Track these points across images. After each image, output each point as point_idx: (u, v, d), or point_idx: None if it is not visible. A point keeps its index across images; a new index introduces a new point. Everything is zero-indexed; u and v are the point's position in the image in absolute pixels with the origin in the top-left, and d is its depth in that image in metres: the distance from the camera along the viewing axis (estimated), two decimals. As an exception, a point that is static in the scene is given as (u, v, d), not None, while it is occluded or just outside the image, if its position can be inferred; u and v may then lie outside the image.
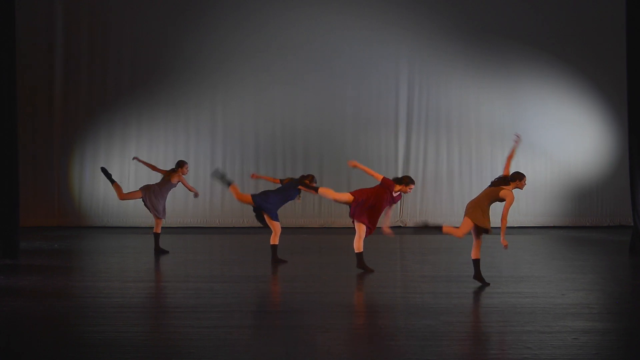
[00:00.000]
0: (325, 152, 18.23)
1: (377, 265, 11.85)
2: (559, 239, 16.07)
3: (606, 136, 18.21)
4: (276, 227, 12.29)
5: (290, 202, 12.57)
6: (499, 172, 18.32)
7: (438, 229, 10.29)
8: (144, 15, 18.05)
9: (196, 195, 13.82)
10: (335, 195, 11.47)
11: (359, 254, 11.45)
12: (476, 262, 10.28)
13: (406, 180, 11.29)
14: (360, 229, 11.35)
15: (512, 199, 9.96)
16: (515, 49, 18.13)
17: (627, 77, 13.58)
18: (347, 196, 11.39)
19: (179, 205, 17.90)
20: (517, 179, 10.19)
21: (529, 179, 18.39)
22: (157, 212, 13.36)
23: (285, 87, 18.14)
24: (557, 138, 18.18)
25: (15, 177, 12.71)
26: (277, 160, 18.17)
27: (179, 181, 13.53)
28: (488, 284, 10.27)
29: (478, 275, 10.27)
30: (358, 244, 11.42)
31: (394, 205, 11.56)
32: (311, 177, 12.18)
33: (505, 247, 9.94)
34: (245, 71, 18.12)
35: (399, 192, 11.31)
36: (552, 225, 18.14)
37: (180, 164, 13.60)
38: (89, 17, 18.04)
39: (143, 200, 13.43)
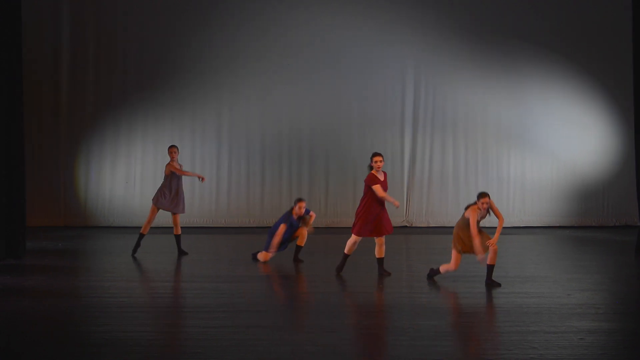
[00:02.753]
0: (331, 152, 18.21)
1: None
2: (565, 239, 16.04)
3: (612, 136, 18.17)
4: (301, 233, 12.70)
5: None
6: (504, 173, 18.44)
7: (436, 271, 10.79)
8: (150, 15, 18.04)
9: (202, 179, 13.52)
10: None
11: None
12: (490, 268, 10.40)
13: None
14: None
15: (472, 215, 10.13)
16: (521, 49, 18.08)
17: (633, 77, 13.57)
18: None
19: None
20: (478, 198, 10.29)
21: (534, 179, 18.53)
22: (174, 207, 13.03)
23: (291, 87, 18.12)
24: (563, 138, 18.14)
25: (21, 177, 12.73)
26: (283, 160, 18.16)
27: (172, 170, 12.92)
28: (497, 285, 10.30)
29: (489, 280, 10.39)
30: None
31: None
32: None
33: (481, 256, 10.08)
34: (251, 71, 18.10)
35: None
36: (557, 225, 18.09)
37: (168, 151, 13.22)
38: (96, 17, 18.03)
39: (160, 208, 13.11)
